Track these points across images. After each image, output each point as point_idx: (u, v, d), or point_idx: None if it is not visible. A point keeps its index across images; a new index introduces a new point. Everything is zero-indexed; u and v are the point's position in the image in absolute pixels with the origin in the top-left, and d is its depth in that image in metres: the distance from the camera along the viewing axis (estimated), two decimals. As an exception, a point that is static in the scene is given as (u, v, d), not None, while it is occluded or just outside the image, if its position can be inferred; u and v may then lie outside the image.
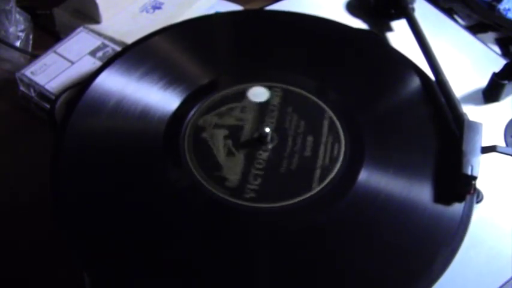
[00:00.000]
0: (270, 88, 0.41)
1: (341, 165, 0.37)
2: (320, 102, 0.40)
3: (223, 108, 0.39)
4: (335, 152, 0.37)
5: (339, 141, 0.38)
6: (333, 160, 0.37)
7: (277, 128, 0.38)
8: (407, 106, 0.41)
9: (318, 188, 0.35)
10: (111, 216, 0.34)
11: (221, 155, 0.37)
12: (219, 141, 0.38)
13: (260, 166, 0.36)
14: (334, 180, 0.36)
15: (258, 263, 0.33)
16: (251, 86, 0.40)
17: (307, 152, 0.37)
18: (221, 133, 0.38)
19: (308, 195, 0.35)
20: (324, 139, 0.38)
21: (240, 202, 0.35)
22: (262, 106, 0.40)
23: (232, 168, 0.36)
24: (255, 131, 0.38)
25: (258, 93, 0.39)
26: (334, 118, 0.39)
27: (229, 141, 0.38)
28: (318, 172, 0.36)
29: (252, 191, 0.35)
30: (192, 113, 0.39)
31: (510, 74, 0.43)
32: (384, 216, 0.34)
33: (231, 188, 0.35)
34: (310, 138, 0.38)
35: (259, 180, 0.36)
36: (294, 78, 0.41)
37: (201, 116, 0.39)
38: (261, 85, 0.39)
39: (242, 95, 0.40)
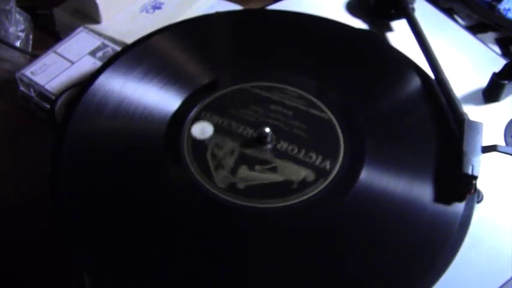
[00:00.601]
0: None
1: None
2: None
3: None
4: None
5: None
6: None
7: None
8: (408, 106, 0.41)
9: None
10: (111, 216, 0.34)
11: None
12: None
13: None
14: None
15: (258, 263, 0.33)
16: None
17: (308, 152, 0.37)
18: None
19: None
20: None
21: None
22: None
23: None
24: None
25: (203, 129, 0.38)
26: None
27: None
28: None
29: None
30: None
31: (510, 74, 0.42)
32: (384, 216, 0.34)
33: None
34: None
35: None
36: (294, 78, 0.41)
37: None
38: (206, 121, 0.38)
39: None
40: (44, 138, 0.41)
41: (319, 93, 0.41)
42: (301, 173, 0.36)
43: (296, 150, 0.37)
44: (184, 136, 0.38)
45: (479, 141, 0.36)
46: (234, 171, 0.36)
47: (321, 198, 0.35)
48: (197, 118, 0.39)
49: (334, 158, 0.37)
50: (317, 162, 0.37)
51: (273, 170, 0.36)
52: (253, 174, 0.36)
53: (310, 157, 0.37)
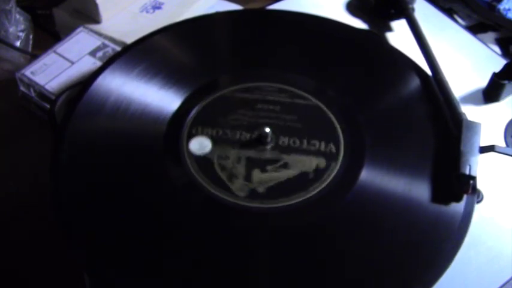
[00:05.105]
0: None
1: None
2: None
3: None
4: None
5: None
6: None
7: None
8: (407, 106, 0.41)
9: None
10: (111, 216, 0.34)
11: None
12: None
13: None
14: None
15: (258, 263, 0.33)
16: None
17: (310, 141, 0.37)
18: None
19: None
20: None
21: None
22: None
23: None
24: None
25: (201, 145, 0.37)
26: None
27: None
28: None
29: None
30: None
31: (510, 74, 0.42)
32: (384, 216, 0.34)
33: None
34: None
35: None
36: (294, 78, 0.41)
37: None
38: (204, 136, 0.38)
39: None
40: (44, 138, 0.41)
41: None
42: (313, 162, 0.37)
43: (298, 142, 0.38)
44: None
45: (477, 141, 0.36)
46: (248, 177, 0.36)
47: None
48: (190, 135, 0.38)
49: (336, 140, 0.37)
50: (322, 148, 0.37)
51: (285, 166, 0.37)
52: (267, 175, 0.36)
53: (314, 144, 0.37)
